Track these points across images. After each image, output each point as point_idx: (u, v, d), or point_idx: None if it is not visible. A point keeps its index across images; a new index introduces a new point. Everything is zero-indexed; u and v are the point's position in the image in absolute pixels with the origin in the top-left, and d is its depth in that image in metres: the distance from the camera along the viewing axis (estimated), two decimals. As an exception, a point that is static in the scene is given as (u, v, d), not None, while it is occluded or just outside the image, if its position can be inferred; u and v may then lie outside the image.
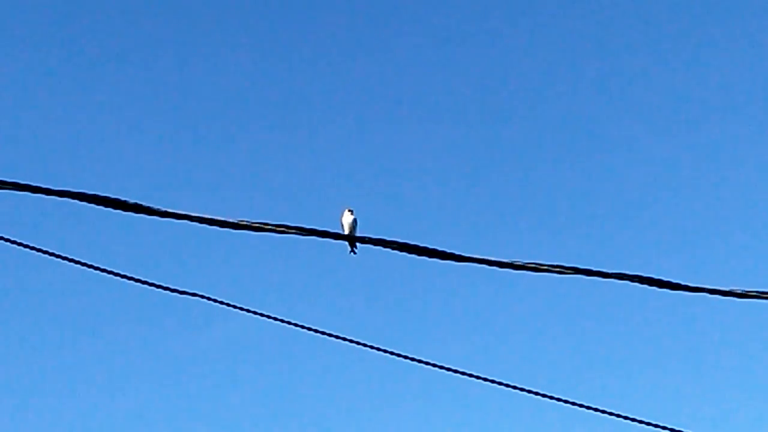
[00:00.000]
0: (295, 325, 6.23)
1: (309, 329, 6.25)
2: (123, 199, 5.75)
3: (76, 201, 5.69)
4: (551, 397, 6.29)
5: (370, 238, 6.00)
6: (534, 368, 28.00)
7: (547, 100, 33.31)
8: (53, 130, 32.18)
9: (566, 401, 6.32)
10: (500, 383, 6.29)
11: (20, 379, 29.05)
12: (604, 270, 5.98)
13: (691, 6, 33.92)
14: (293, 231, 5.93)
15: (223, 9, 34.07)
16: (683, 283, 6.03)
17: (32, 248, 5.89)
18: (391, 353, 6.27)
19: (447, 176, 32.48)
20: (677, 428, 6.32)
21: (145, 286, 6.03)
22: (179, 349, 29.70)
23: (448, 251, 6.01)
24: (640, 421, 6.32)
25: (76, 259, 5.92)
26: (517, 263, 5.99)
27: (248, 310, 6.17)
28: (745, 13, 33.04)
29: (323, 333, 6.24)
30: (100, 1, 33.31)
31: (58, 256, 5.92)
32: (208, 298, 6.09)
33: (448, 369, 6.31)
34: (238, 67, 33.67)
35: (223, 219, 5.85)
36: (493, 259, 5.96)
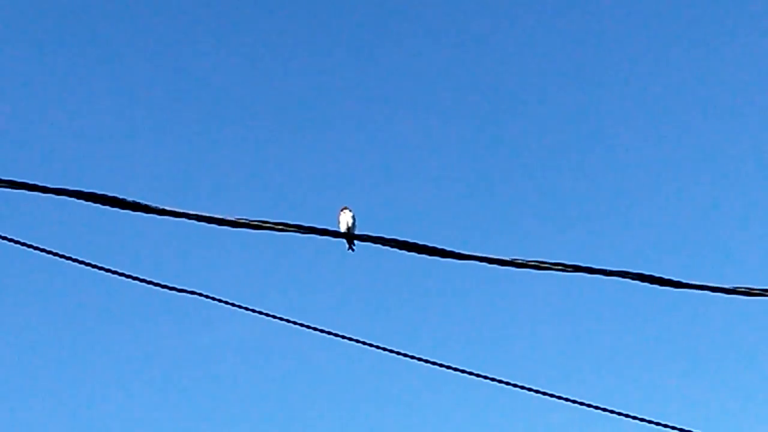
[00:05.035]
0: (294, 323, 6.23)
1: (308, 327, 6.25)
2: (121, 197, 5.74)
3: (74, 199, 5.68)
4: (552, 395, 6.28)
5: (369, 236, 5.98)
6: (535, 366, 28.03)
7: (548, 98, 33.33)
8: (52, 127, 32.18)
9: (567, 399, 6.31)
10: (501, 381, 6.28)
11: (19, 378, 29.05)
12: (606, 268, 5.97)
13: (692, 6, 33.96)
14: (292, 229, 5.91)
15: (224, 9, 34.08)
16: (685, 281, 6.02)
17: (32, 247, 5.88)
18: (391, 351, 6.26)
19: (447, 174, 32.51)
20: (679, 426, 6.31)
21: (144, 284, 6.03)
22: (177, 348, 29.70)
23: (447, 249, 5.99)
24: (642, 419, 6.31)
25: (75, 257, 5.92)
26: (518, 261, 5.97)
27: (247, 308, 6.17)
28: (745, 13, 33.08)
29: (322, 331, 6.24)
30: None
31: (57, 255, 5.91)
32: (207, 296, 6.08)
33: (449, 367, 6.30)
34: (237, 66, 33.67)
35: (221, 217, 5.84)
36: (494, 257, 5.94)
